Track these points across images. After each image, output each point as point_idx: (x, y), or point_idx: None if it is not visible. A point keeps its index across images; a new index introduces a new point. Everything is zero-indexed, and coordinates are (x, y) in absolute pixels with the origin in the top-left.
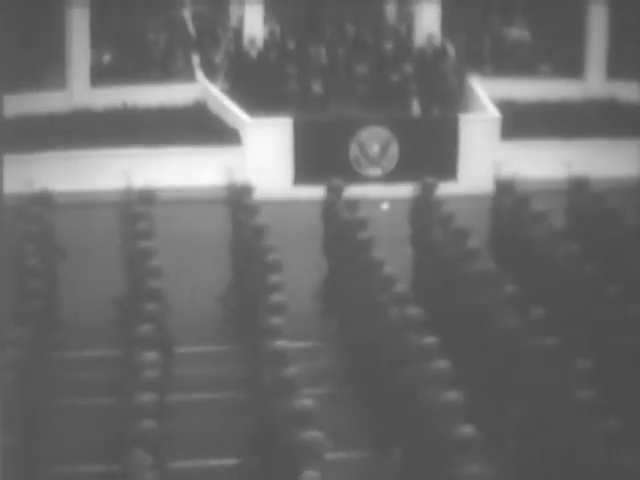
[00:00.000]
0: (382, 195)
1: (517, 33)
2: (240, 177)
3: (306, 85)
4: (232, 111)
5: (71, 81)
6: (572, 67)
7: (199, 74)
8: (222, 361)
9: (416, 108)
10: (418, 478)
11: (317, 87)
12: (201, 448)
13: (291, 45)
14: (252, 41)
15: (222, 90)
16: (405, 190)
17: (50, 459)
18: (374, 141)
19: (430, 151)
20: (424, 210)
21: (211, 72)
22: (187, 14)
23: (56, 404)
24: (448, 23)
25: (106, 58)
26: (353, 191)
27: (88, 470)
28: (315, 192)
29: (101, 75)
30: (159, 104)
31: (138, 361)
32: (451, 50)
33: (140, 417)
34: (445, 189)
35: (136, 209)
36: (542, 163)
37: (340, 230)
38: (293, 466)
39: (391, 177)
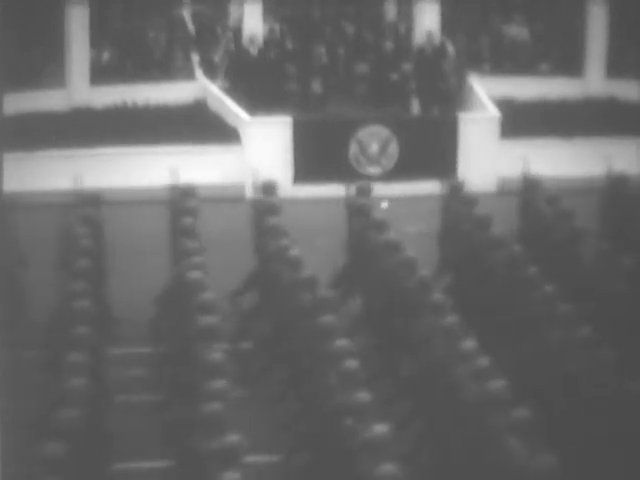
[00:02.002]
0: (382, 194)
1: (517, 32)
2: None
3: (306, 84)
4: (232, 110)
5: (71, 79)
6: (572, 66)
7: (199, 73)
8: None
9: (416, 107)
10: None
11: (317, 86)
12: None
13: (291, 44)
14: (252, 40)
15: (222, 89)
16: (405, 189)
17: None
18: (373, 140)
19: (430, 150)
20: (358, 213)
21: (211, 71)
22: (187, 13)
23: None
24: (448, 22)
25: (106, 57)
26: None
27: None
28: (315, 191)
29: (101, 74)
30: (159, 103)
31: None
32: (451, 49)
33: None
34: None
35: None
36: (541, 162)
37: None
38: (211, 469)
39: (390, 176)
